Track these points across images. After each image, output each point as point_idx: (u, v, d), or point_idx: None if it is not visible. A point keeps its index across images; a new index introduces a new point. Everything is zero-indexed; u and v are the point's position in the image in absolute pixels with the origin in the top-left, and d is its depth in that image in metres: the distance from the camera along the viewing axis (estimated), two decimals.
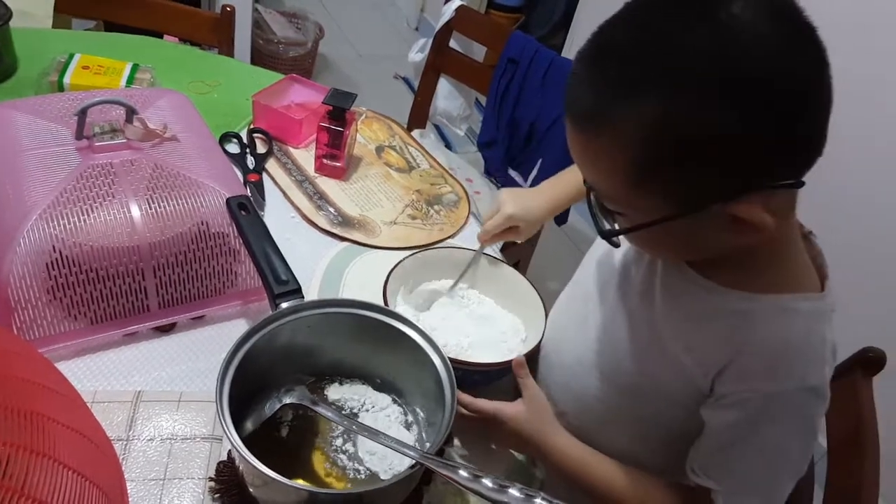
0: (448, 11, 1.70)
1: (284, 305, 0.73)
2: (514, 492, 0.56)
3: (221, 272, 0.86)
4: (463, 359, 0.79)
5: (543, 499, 0.55)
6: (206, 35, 1.55)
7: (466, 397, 0.77)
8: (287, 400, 0.69)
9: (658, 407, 0.72)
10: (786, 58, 0.50)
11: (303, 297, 0.75)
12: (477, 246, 0.95)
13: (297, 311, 0.73)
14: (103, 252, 0.77)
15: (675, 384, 0.69)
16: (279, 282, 0.75)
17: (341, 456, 0.72)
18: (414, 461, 0.62)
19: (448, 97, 1.87)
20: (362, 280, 0.99)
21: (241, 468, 0.66)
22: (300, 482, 0.68)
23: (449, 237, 1.11)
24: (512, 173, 1.74)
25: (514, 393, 0.87)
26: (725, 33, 0.50)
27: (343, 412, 0.76)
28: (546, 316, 0.86)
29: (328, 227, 1.07)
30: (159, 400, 0.76)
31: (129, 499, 0.66)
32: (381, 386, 0.79)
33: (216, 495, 0.68)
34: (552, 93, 1.58)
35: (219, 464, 0.71)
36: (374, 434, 0.65)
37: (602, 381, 0.76)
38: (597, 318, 0.77)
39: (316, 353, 0.77)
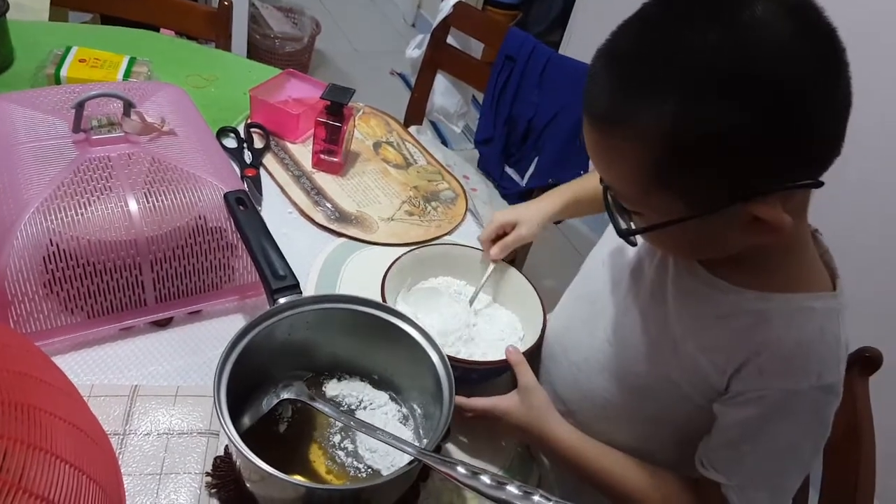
0: (446, 8, 1.70)
1: (282, 301, 0.73)
2: (511, 488, 0.56)
3: (219, 267, 0.85)
4: (461, 357, 0.79)
5: (541, 496, 0.55)
6: (203, 29, 1.55)
7: (461, 399, 0.76)
8: (285, 395, 0.69)
9: (669, 405, 0.72)
10: (805, 59, 0.51)
11: (300, 292, 0.75)
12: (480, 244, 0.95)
13: (295, 306, 0.73)
14: (100, 246, 0.76)
15: (688, 383, 0.69)
16: (277, 277, 0.75)
17: (339, 452, 0.72)
18: (412, 458, 0.62)
19: (445, 94, 1.87)
20: (359, 276, 0.99)
21: (238, 463, 0.66)
22: (297, 478, 0.68)
23: (446, 234, 1.11)
24: (508, 170, 1.75)
25: (513, 388, 0.87)
26: (745, 35, 0.50)
27: (341, 408, 0.76)
28: (544, 314, 0.86)
29: (325, 223, 1.06)
30: (156, 394, 0.76)
31: (126, 493, 0.66)
32: (379, 382, 0.79)
33: (213, 490, 0.68)
34: (549, 90, 1.58)
35: (216, 459, 0.71)
36: (371, 430, 0.65)
37: (612, 380, 0.76)
38: (606, 319, 0.77)
39: (313, 349, 0.77)
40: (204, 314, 0.88)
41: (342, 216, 1.09)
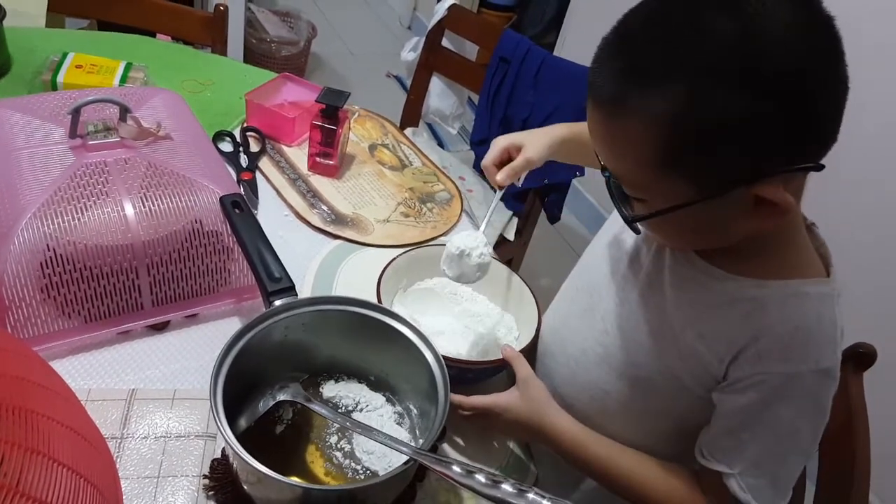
0: (440, 10, 1.70)
1: (278, 303, 0.73)
2: (506, 487, 0.56)
3: (215, 270, 0.86)
4: (456, 357, 0.79)
5: (536, 493, 0.55)
6: (199, 34, 1.55)
7: (459, 397, 0.77)
8: (281, 397, 0.70)
9: (668, 396, 0.73)
10: (810, 46, 0.53)
11: (296, 294, 0.75)
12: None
13: (291, 308, 0.73)
14: (97, 250, 0.77)
15: (687, 373, 0.70)
16: (273, 279, 0.76)
17: (336, 454, 0.73)
18: (407, 458, 0.62)
19: (441, 96, 1.87)
20: (356, 278, 0.99)
21: (235, 465, 0.67)
22: (294, 479, 0.68)
23: (442, 235, 1.12)
24: None
25: (510, 385, 0.88)
26: (750, 21, 0.51)
27: (338, 409, 0.77)
28: (539, 314, 0.87)
29: (321, 225, 1.07)
30: (153, 398, 0.76)
31: (124, 496, 0.66)
32: (375, 383, 0.80)
33: (210, 493, 0.69)
34: (544, 91, 1.58)
35: (213, 461, 0.71)
36: (368, 431, 0.65)
37: (610, 372, 0.77)
38: (604, 310, 0.78)
39: (310, 351, 0.77)
40: (200, 317, 0.88)
41: (338, 218, 1.09)
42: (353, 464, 0.72)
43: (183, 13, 1.54)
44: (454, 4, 1.70)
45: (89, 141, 0.83)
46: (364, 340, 0.76)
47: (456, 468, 0.58)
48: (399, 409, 0.78)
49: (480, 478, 0.57)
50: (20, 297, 0.75)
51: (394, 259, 0.89)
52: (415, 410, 0.77)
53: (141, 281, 0.81)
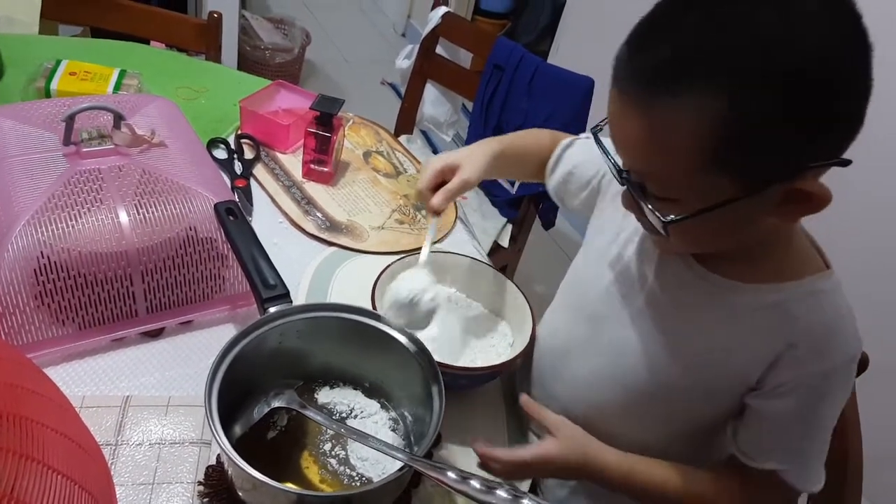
0: (434, 18, 1.71)
1: (273, 310, 0.73)
2: (501, 493, 0.56)
3: (209, 277, 0.86)
4: (451, 363, 0.80)
5: (531, 499, 0.56)
6: (193, 41, 1.56)
7: (501, 452, 0.73)
8: (276, 403, 0.70)
9: (689, 406, 0.74)
10: (854, 45, 0.54)
11: (291, 301, 0.75)
12: (466, 250, 0.95)
13: (286, 315, 0.73)
14: (91, 257, 0.77)
15: (715, 384, 0.72)
16: (267, 286, 0.76)
17: (331, 460, 0.73)
18: (402, 464, 0.62)
19: (435, 103, 1.88)
20: (350, 285, 0.99)
21: (230, 472, 0.67)
22: (289, 485, 0.68)
23: (437, 242, 1.12)
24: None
25: (504, 398, 0.88)
26: (795, 20, 0.52)
27: (332, 416, 0.77)
28: (534, 320, 0.87)
29: (316, 232, 1.07)
30: (148, 405, 0.76)
31: (119, 503, 0.66)
32: (370, 390, 0.80)
33: (205, 499, 0.69)
34: (538, 99, 1.59)
35: (208, 468, 0.71)
36: (362, 437, 0.65)
37: (626, 392, 0.77)
38: (615, 339, 0.78)
39: (304, 358, 0.77)
40: (195, 324, 0.88)
41: (333, 225, 1.09)
42: (347, 470, 0.72)
43: (177, 20, 1.55)
44: (448, 12, 1.71)
45: (83, 148, 0.83)
46: (359, 347, 0.76)
47: (451, 474, 0.58)
48: (393, 415, 0.78)
49: (475, 484, 0.57)
50: (14, 304, 0.75)
51: (389, 266, 0.89)
52: (409, 417, 0.77)
53: (135, 288, 0.81)
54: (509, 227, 1.71)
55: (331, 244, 1.06)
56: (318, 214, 1.11)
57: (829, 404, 0.69)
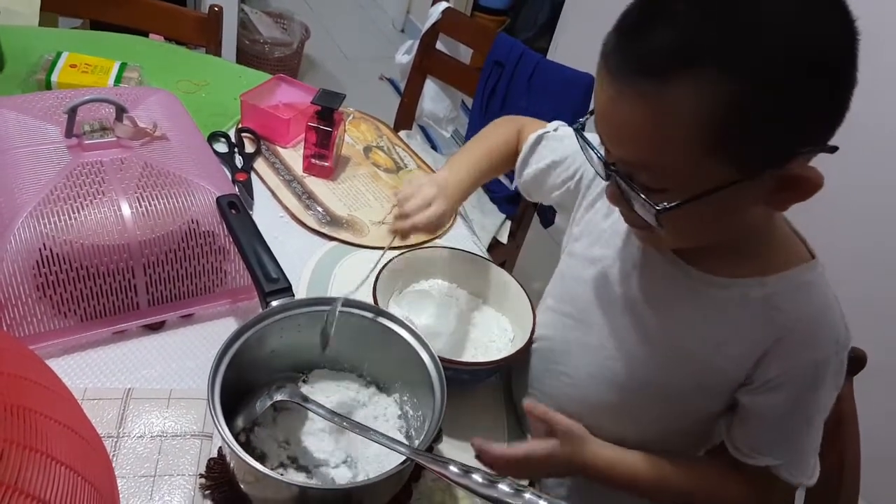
0: (435, 13, 1.71)
1: (275, 304, 0.73)
2: (503, 486, 0.57)
3: (211, 271, 0.86)
4: (452, 358, 0.80)
5: (533, 493, 0.56)
6: (193, 34, 1.55)
7: (498, 449, 0.71)
8: (278, 397, 0.70)
9: (683, 402, 0.74)
10: (846, 29, 0.54)
11: (293, 295, 0.75)
12: (471, 247, 0.95)
13: (288, 309, 0.73)
14: (93, 250, 0.77)
15: (706, 381, 0.72)
16: (269, 280, 0.76)
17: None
18: (404, 457, 0.63)
19: (435, 99, 1.88)
20: (351, 279, 0.99)
21: (232, 465, 0.67)
22: (292, 478, 0.68)
23: (436, 237, 1.12)
24: None
25: (505, 393, 0.88)
26: (806, 3, 0.53)
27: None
28: (534, 315, 0.87)
29: (316, 227, 1.07)
30: (149, 397, 0.76)
31: (121, 495, 0.66)
32: (371, 384, 0.80)
33: (207, 492, 0.69)
34: (538, 95, 1.59)
35: (209, 461, 0.71)
36: (364, 430, 0.66)
37: (621, 391, 0.78)
38: (604, 337, 0.78)
39: (306, 351, 0.78)
40: (196, 318, 0.88)
41: (333, 220, 1.09)
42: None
43: (177, 14, 1.54)
44: (448, 8, 1.71)
45: (85, 140, 0.83)
46: (360, 341, 0.76)
47: (453, 468, 0.59)
48: (395, 409, 0.79)
49: (477, 477, 0.58)
50: (16, 295, 0.75)
51: (390, 261, 0.90)
52: (411, 411, 0.77)
53: (137, 281, 0.81)
54: (508, 223, 1.71)
55: (331, 239, 1.06)
56: (319, 209, 1.11)
57: (821, 395, 0.69)
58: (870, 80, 0.58)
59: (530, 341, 0.86)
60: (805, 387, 0.68)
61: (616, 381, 0.78)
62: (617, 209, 0.69)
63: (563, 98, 1.54)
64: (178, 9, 1.55)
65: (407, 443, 0.73)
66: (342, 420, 0.68)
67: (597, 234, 0.81)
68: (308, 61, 3.08)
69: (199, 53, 1.53)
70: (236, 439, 0.61)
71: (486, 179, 0.95)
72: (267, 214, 1.08)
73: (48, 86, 1.15)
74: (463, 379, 0.82)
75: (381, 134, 1.35)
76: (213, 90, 1.33)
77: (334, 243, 1.06)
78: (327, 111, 1.11)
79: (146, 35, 1.53)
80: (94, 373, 0.79)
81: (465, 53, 1.93)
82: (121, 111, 0.85)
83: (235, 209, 0.83)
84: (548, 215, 1.68)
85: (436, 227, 0.87)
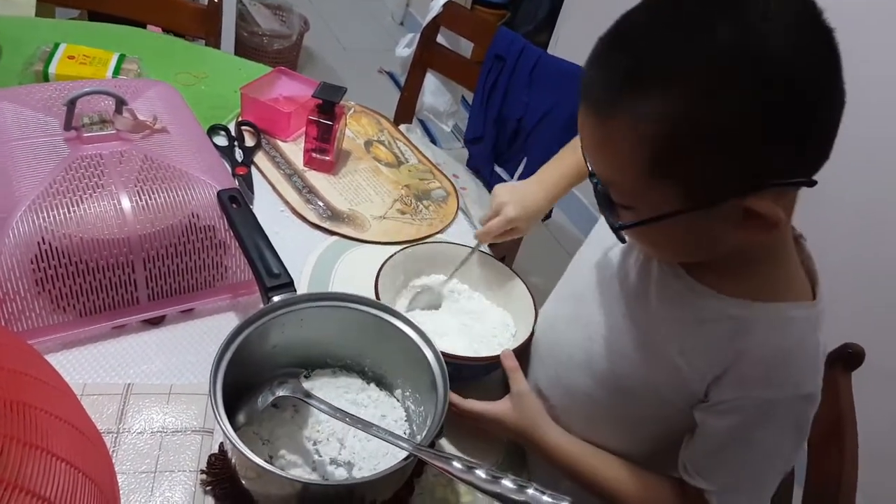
0: (436, 7, 1.70)
1: (277, 299, 0.73)
2: (506, 482, 0.56)
3: (211, 265, 0.85)
4: (454, 353, 0.80)
5: (536, 489, 0.56)
6: (191, 26, 1.54)
7: (456, 398, 0.78)
8: (280, 392, 0.69)
9: (648, 406, 0.73)
10: (811, 58, 0.52)
11: (295, 290, 0.75)
12: (473, 242, 0.95)
13: (290, 304, 0.73)
14: (93, 244, 0.76)
15: (668, 386, 0.70)
16: (271, 275, 0.75)
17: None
18: (407, 453, 0.62)
19: (435, 93, 1.87)
20: (352, 274, 0.99)
21: (233, 461, 0.66)
22: (294, 473, 0.68)
23: (438, 232, 1.12)
24: (498, 169, 1.75)
25: (504, 387, 0.88)
26: (752, 31, 0.50)
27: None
28: (535, 310, 0.87)
29: (317, 221, 1.07)
30: (149, 393, 0.76)
31: (121, 491, 0.66)
32: (373, 379, 0.80)
33: (208, 488, 0.68)
34: (539, 90, 1.58)
35: (210, 456, 0.71)
36: (367, 426, 0.65)
37: (594, 379, 0.77)
38: (590, 319, 0.78)
39: (308, 347, 0.77)
40: (196, 312, 0.87)
41: (334, 214, 1.09)
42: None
43: (177, 5, 1.53)
44: (449, 1, 1.70)
45: (84, 133, 0.82)
46: (362, 336, 0.76)
47: (457, 464, 0.58)
48: (397, 405, 0.78)
49: (481, 473, 0.57)
50: (14, 290, 0.74)
51: (392, 255, 0.89)
52: (413, 406, 0.77)
53: (137, 275, 0.80)
54: None
55: (332, 233, 1.06)
56: (320, 203, 1.10)
57: (770, 435, 0.66)
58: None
59: (532, 335, 0.85)
60: (753, 421, 0.65)
61: (591, 367, 0.77)
62: None
63: (564, 93, 1.53)
64: (178, 0, 1.54)
65: (409, 439, 0.72)
66: (345, 416, 0.67)
67: None
68: (307, 54, 3.06)
69: (198, 45, 1.52)
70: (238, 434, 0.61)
71: (564, 193, 1.00)
72: (267, 209, 1.07)
73: (46, 77, 1.14)
74: (465, 374, 0.82)
75: (382, 128, 1.34)
76: (212, 83, 1.32)
77: (335, 238, 1.05)
78: (328, 105, 1.10)
79: (144, 27, 1.52)
80: (93, 368, 0.78)
81: (465, 47, 1.92)
82: (120, 103, 0.85)
83: (236, 203, 0.82)
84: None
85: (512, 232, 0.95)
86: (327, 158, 1.16)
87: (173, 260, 0.82)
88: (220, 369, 0.64)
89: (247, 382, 0.72)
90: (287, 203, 1.09)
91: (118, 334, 0.82)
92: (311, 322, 0.75)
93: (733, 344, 0.65)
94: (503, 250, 1.65)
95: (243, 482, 0.66)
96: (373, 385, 0.79)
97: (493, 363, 0.81)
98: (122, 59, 1.20)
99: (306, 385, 0.76)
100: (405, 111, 1.84)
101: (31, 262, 0.74)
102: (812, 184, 0.56)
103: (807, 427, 0.67)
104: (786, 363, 0.64)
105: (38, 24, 1.38)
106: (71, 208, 0.75)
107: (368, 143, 1.28)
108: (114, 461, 0.68)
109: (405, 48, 1.89)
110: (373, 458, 0.71)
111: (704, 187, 0.55)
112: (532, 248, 1.84)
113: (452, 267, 0.95)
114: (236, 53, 2.57)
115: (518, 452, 0.85)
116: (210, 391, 0.62)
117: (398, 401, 0.79)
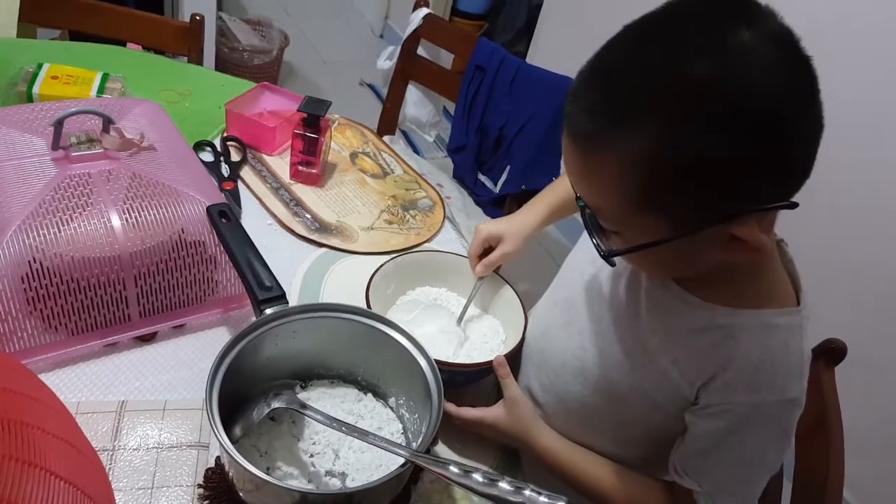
0: (416, 19, 1.72)
1: (269, 311, 0.73)
2: (504, 485, 0.57)
3: (202, 280, 0.86)
4: (445, 360, 0.81)
5: (532, 490, 0.56)
6: (173, 43, 1.54)
7: (451, 407, 0.80)
8: (276, 404, 0.70)
9: (640, 411, 0.75)
10: (788, 88, 0.52)
11: (287, 302, 0.75)
12: (461, 250, 0.97)
13: (283, 316, 0.73)
14: (83, 262, 0.76)
15: (659, 393, 0.72)
16: (263, 288, 0.76)
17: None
18: (404, 460, 0.63)
19: (417, 104, 1.89)
20: (342, 285, 1.00)
21: (231, 473, 0.67)
22: (292, 483, 0.68)
23: (425, 241, 1.13)
24: (482, 178, 1.77)
25: (496, 393, 0.89)
26: (734, 63, 0.51)
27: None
28: (525, 317, 0.88)
29: (306, 234, 1.07)
30: (144, 409, 0.76)
31: None
32: (368, 389, 0.80)
33: (206, 501, 0.69)
34: (520, 99, 1.61)
35: (207, 470, 0.71)
36: (363, 435, 0.66)
37: (586, 385, 0.78)
38: (581, 326, 0.79)
39: (302, 358, 0.78)
40: (188, 328, 0.88)
41: (322, 226, 1.10)
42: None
43: (158, 23, 1.53)
44: (429, 13, 1.72)
45: (72, 153, 0.82)
46: (356, 346, 0.77)
47: (453, 468, 0.59)
48: (392, 413, 0.79)
49: (478, 477, 0.58)
50: (5, 310, 0.74)
51: (382, 265, 0.90)
52: (407, 414, 0.78)
53: (128, 292, 0.80)
54: None
55: (321, 245, 1.06)
56: (307, 216, 1.11)
57: (757, 438, 0.68)
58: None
59: (522, 342, 0.86)
60: (740, 426, 0.67)
61: (584, 373, 0.78)
62: None
63: (544, 102, 1.55)
64: (159, 18, 1.55)
65: (405, 446, 0.73)
66: (341, 425, 0.68)
67: None
68: (288, 68, 3.07)
69: (180, 62, 1.52)
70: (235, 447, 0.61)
71: (557, 219, 1.01)
72: (255, 223, 1.08)
73: (30, 98, 1.14)
74: (457, 381, 0.83)
75: (366, 140, 1.35)
76: (196, 99, 1.33)
77: (324, 250, 1.06)
78: (313, 118, 1.11)
79: (124, 45, 1.52)
80: (86, 386, 0.78)
81: (445, 58, 1.94)
82: (108, 122, 0.85)
83: (226, 218, 0.83)
84: None
85: (506, 258, 0.95)
86: (314, 171, 1.16)
87: (164, 276, 0.82)
88: (215, 382, 0.65)
89: (242, 395, 0.72)
90: (275, 216, 1.09)
91: (110, 352, 0.82)
92: (305, 333, 0.75)
93: (721, 351, 0.67)
94: None
95: (241, 495, 0.66)
96: (369, 395, 0.80)
97: (485, 369, 0.82)
98: (105, 77, 1.20)
99: (302, 396, 0.77)
100: (388, 123, 1.85)
101: (22, 282, 0.74)
102: (793, 206, 0.56)
103: (792, 431, 0.69)
104: (771, 369, 0.66)
105: (20, 44, 1.38)
106: (61, 227, 0.75)
107: (354, 155, 1.29)
108: (110, 479, 0.68)
109: (386, 60, 1.90)
110: (366, 470, 0.72)
111: (688, 217, 0.56)
112: (521, 255, 1.85)
113: (442, 275, 0.96)
114: (217, 69, 2.58)
115: (512, 456, 0.85)
116: (206, 405, 0.63)
117: (393, 410, 0.79)
